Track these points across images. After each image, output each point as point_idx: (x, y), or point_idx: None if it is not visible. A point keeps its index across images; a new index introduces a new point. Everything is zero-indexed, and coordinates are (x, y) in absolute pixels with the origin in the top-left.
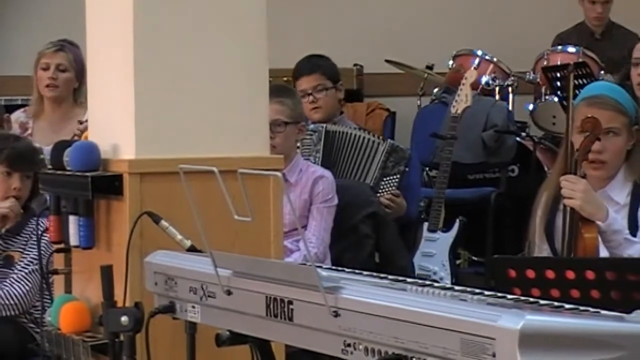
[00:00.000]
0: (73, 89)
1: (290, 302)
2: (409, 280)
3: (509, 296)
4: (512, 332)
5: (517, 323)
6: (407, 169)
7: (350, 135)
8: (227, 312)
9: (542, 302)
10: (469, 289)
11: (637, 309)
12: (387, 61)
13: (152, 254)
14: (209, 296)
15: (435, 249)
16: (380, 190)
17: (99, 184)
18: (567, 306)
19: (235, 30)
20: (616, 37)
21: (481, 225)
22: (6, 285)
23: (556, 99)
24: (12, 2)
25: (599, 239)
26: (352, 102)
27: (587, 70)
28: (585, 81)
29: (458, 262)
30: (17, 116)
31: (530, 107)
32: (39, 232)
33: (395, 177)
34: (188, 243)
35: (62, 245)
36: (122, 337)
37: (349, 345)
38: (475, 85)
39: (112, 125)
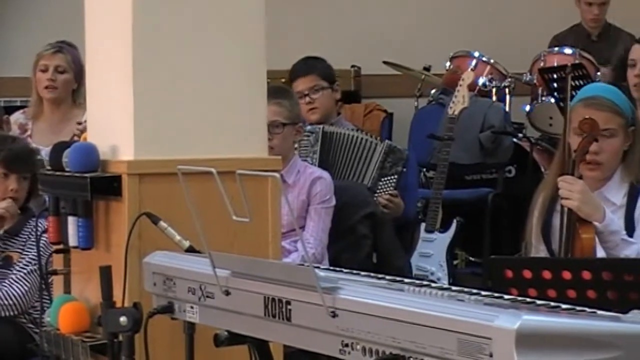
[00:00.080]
0: (72, 90)
1: (288, 303)
2: (406, 280)
3: (506, 296)
4: (509, 332)
5: (514, 323)
6: (404, 170)
7: (347, 136)
8: (225, 313)
9: (538, 302)
10: (466, 289)
11: (633, 309)
12: (384, 62)
13: (151, 255)
14: (207, 296)
15: (432, 249)
16: (378, 191)
17: (97, 185)
18: (564, 306)
19: (234, 31)
20: (612, 38)
21: (478, 226)
22: (5, 286)
23: (553, 100)
24: (12, 2)
25: (596, 239)
26: (350, 103)
27: (584, 72)
28: (582, 82)
29: (455, 262)
30: (17, 117)
31: (527, 108)
32: (38, 233)
33: (392, 177)
34: (187, 244)
35: (61, 246)
36: (120, 338)
37: (346, 345)
38: (472, 87)
39: (111, 126)
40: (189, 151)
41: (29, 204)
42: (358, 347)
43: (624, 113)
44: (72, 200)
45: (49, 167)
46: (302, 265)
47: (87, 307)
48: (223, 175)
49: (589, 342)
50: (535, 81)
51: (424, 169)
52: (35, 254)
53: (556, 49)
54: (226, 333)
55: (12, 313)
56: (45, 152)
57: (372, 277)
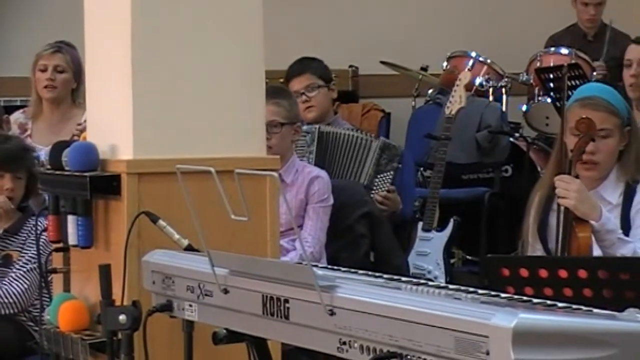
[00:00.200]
0: (71, 89)
1: (286, 301)
2: (403, 279)
3: (503, 295)
4: (506, 330)
5: (511, 321)
6: (400, 166)
7: (343, 136)
8: (224, 311)
9: (535, 300)
10: (463, 288)
11: (629, 308)
12: (382, 62)
13: (150, 253)
14: (206, 295)
15: (429, 248)
16: (374, 188)
17: (97, 184)
18: (560, 305)
19: (233, 31)
20: (608, 38)
21: (475, 225)
22: (5, 284)
23: (549, 100)
24: (12, 2)
25: (593, 238)
26: (348, 103)
27: (580, 72)
28: (578, 82)
29: (452, 261)
30: (16, 117)
31: (524, 108)
32: (38, 231)
33: (388, 173)
34: (185, 242)
35: (60, 245)
36: (120, 336)
37: (344, 343)
38: (469, 87)
39: (111, 125)
40: (188, 150)
41: (28, 202)
42: (356, 345)
43: (620, 113)
44: (71, 199)
45: (48, 167)
46: (300, 263)
47: (86, 305)
48: (222, 175)
49: (585, 340)
50: (531, 81)
51: (421, 168)
52: (35, 252)
53: (552, 49)
54: (225, 331)
55: (11, 311)
56: (45, 152)
57: (370, 275)
